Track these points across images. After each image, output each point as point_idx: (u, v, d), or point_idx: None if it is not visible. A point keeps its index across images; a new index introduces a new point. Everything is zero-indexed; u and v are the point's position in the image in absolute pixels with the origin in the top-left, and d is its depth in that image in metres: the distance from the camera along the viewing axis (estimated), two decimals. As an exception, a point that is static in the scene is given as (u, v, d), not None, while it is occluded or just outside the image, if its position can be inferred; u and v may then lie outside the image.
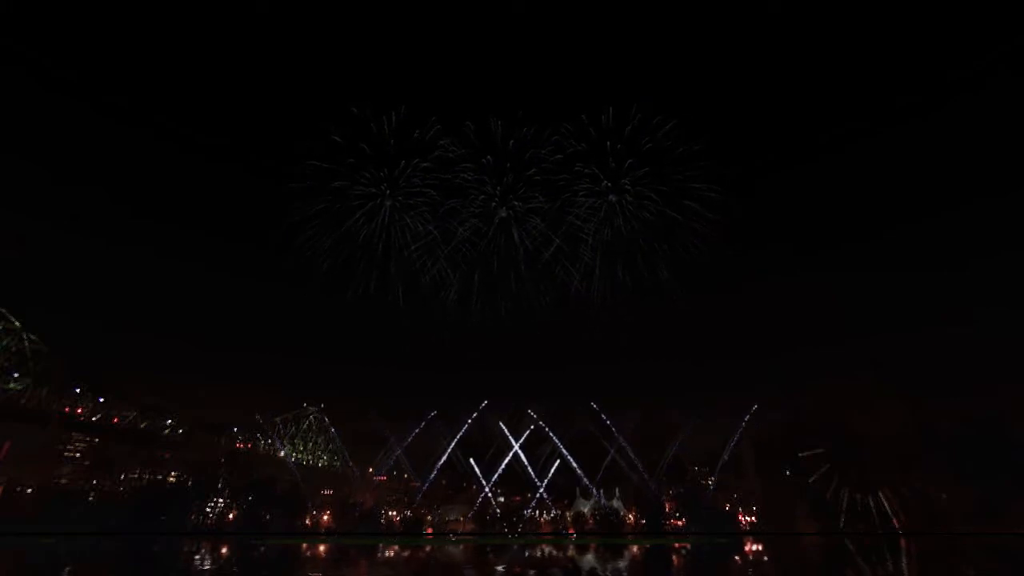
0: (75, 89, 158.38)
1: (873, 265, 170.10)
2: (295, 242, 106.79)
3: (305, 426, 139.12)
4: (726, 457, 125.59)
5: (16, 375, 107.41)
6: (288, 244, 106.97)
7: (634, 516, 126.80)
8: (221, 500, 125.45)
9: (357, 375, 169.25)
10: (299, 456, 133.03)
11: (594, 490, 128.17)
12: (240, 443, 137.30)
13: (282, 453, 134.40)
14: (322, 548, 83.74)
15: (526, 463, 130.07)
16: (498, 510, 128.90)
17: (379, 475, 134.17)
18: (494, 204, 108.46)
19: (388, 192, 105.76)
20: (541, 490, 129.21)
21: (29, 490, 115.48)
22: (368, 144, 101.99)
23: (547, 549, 79.83)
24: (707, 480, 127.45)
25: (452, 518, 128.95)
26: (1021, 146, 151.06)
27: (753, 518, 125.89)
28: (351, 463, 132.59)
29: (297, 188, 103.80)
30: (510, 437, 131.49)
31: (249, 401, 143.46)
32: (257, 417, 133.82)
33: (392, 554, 71.66)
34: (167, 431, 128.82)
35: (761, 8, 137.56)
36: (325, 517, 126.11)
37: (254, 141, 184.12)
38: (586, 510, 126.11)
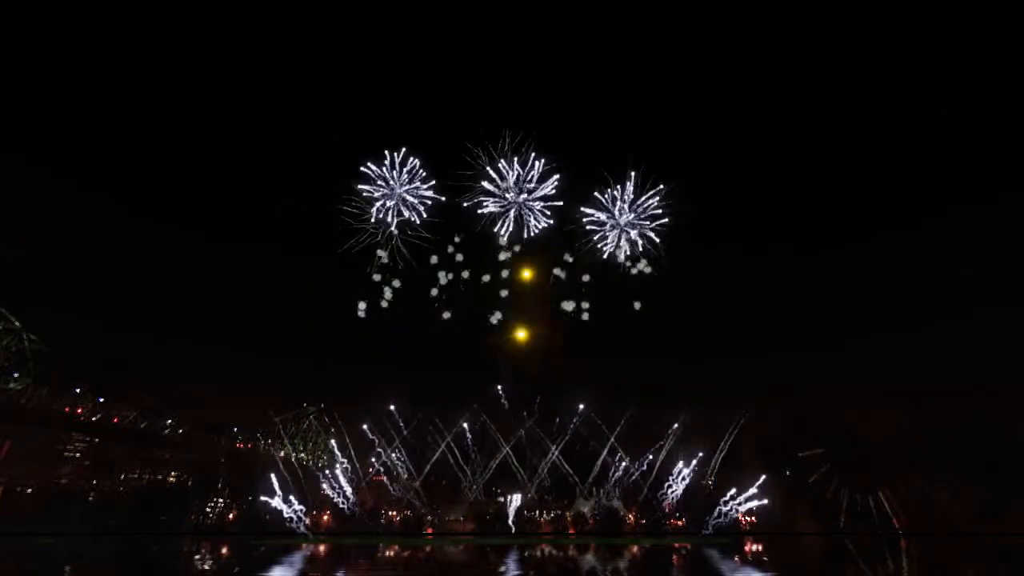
0: (76, 89, 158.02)
1: (874, 265, 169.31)
2: (293, 243, 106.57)
3: (305, 426, 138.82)
4: (722, 454, 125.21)
5: (16, 375, 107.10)
6: (287, 245, 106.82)
7: (634, 516, 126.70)
8: (221, 500, 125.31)
9: (357, 375, 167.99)
10: (299, 456, 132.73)
11: (594, 490, 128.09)
12: (240, 443, 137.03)
13: (282, 453, 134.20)
14: (322, 548, 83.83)
15: (524, 463, 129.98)
16: (496, 510, 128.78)
17: (378, 475, 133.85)
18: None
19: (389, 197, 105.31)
20: (538, 490, 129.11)
21: (29, 490, 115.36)
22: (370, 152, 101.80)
23: (547, 549, 79.93)
24: (707, 480, 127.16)
25: (452, 518, 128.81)
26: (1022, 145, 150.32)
27: (753, 518, 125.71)
28: (350, 463, 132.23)
29: (295, 189, 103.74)
30: (500, 439, 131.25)
31: (249, 401, 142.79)
32: (270, 419, 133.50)
33: (392, 554, 71.73)
34: (167, 431, 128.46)
35: (760, 8, 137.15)
36: (325, 517, 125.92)
37: (254, 141, 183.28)
38: (586, 510, 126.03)
